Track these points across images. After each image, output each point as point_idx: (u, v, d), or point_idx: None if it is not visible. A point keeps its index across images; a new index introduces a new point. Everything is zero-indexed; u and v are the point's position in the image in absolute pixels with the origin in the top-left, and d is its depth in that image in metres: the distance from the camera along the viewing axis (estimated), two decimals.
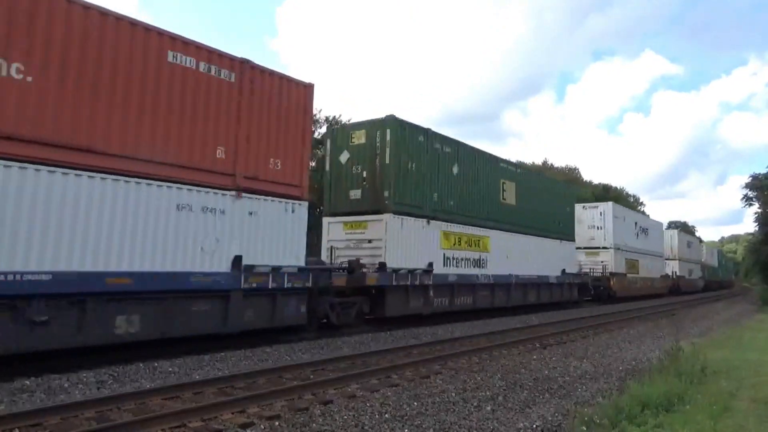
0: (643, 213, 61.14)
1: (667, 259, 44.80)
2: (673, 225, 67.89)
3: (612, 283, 30.54)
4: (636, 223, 36.38)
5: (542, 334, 14.12)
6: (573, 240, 26.37)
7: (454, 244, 17.33)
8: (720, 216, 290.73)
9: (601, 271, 30.78)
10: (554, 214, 24.36)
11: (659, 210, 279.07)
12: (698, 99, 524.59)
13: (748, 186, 35.72)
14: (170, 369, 8.70)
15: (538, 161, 65.04)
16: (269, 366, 9.02)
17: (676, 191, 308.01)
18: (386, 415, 6.39)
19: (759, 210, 36.04)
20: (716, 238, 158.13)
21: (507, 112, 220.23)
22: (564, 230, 25.27)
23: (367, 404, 6.82)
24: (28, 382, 7.41)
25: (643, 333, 15.86)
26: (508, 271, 19.96)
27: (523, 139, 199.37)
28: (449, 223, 17.19)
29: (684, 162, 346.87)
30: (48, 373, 7.90)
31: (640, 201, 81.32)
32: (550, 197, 24.06)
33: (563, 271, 24.46)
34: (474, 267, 18.18)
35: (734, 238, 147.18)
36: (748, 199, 35.85)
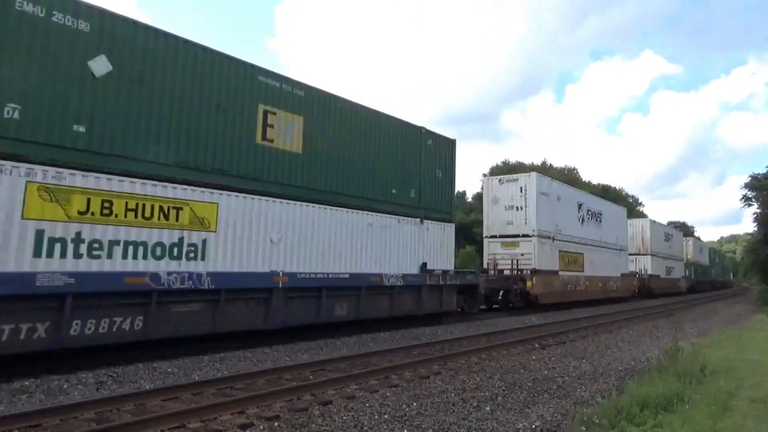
0: (641, 212, 59.18)
1: (634, 254, 37.27)
2: (672, 225, 66.84)
3: (531, 284, 21.72)
4: (581, 206, 27.13)
5: (541, 335, 14.15)
6: (450, 221, 17.31)
7: (88, 212, 8.71)
8: (719, 216, 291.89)
9: (512, 267, 22.10)
10: (404, 178, 15.62)
11: (658, 210, 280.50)
12: (697, 99, 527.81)
13: (747, 186, 35.73)
14: (169, 369, 8.71)
15: (538, 161, 64.84)
16: (268, 366, 9.03)
17: (675, 191, 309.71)
18: (385, 416, 6.39)
19: (758, 210, 36.08)
20: (715, 238, 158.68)
21: (506, 113, 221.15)
22: (429, 205, 16.50)
23: (367, 405, 6.83)
24: (27, 383, 7.42)
25: (642, 333, 15.89)
26: (270, 266, 11.53)
27: (523, 139, 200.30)
28: (69, 171, 8.49)
29: (683, 162, 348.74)
30: (47, 374, 7.91)
31: (639, 201, 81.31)
32: (394, 151, 15.34)
33: (423, 267, 15.99)
34: (164, 259, 9.69)
35: (733, 238, 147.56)
36: (747, 199, 35.87)
